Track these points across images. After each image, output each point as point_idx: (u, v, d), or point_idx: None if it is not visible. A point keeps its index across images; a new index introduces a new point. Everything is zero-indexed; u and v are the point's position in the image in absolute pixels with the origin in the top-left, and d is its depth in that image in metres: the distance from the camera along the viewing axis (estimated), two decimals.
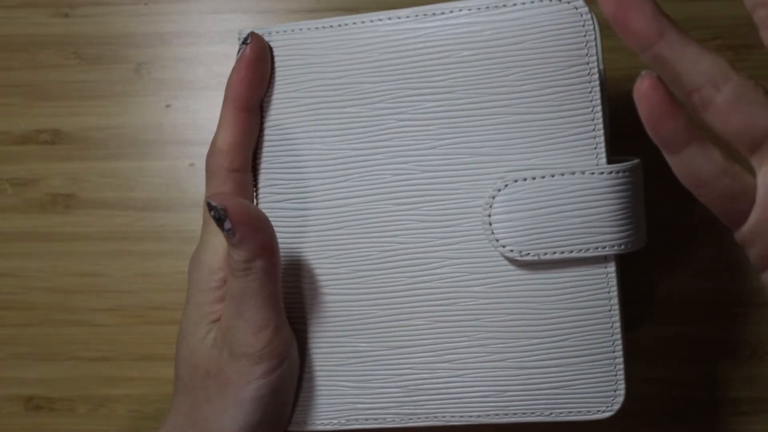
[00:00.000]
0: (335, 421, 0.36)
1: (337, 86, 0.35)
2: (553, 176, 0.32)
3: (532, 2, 0.33)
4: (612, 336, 0.33)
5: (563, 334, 0.33)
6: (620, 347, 0.33)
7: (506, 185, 0.33)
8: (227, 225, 0.31)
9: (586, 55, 0.33)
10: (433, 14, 0.34)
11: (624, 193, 0.32)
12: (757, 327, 0.43)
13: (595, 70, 0.33)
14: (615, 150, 0.35)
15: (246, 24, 0.46)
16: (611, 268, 0.33)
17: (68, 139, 0.46)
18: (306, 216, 0.36)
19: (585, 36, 0.33)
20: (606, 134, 0.33)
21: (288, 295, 0.36)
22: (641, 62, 0.43)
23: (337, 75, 0.35)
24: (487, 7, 0.34)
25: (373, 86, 0.35)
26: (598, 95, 0.33)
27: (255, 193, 0.37)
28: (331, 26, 0.35)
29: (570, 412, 0.34)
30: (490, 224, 0.33)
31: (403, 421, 0.35)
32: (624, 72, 0.42)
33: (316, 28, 0.36)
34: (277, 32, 0.36)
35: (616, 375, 0.33)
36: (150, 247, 0.46)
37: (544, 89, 0.33)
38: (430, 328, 0.35)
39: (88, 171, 0.46)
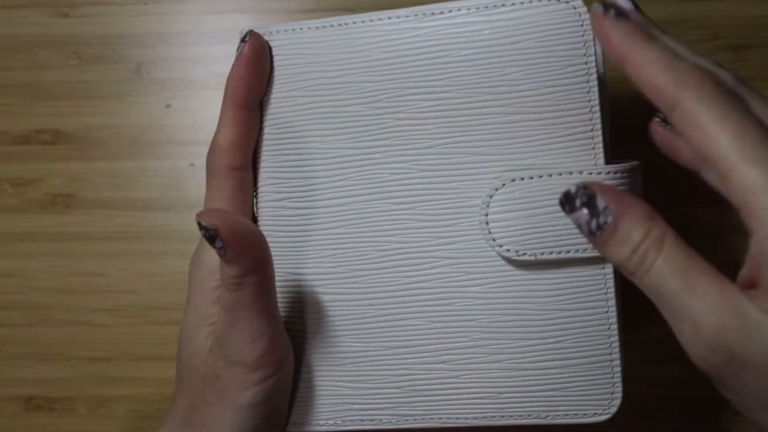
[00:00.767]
0: (331, 422, 0.36)
1: (336, 85, 0.35)
2: (550, 176, 0.32)
3: (531, 2, 0.33)
4: (609, 338, 0.33)
5: (560, 335, 0.33)
6: (617, 349, 0.33)
7: (503, 185, 0.33)
8: (218, 244, 0.30)
9: (585, 55, 0.33)
10: (432, 14, 0.34)
11: None
12: None
13: (594, 70, 0.33)
14: (616, 151, 0.35)
15: (246, 24, 0.46)
16: (608, 269, 0.33)
17: (68, 139, 0.46)
18: (304, 215, 0.36)
19: (583, 36, 0.33)
20: (604, 135, 0.33)
21: (284, 295, 0.36)
22: None
23: (336, 74, 0.35)
24: (486, 7, 0.34)
25: (371, 85, 0.35)
26: (596, 95, 0.33)
27: (255, 192, 0.37)
28: (331, 26, 0.36)
29: (566, 415, 0.34)
30: (487, 224, 0.33)
31: (399, 423, 0.35)
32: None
33: (316, 27, 0.36)
34: (277, 31, 0.36)
35: (613, 378, 0.33)
36: (150, 247, 0.46)
37: (542, 89, 0.33)
38: (426, 328, 0.34)
39: (88, 171, 0.46)
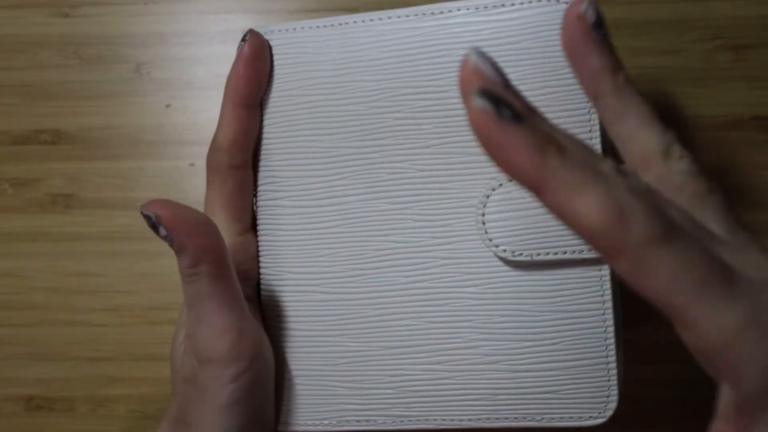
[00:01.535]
0: (326, 422, 0.36)
1: (335, 84, 0.35)
2: None
3: (530, 2, 0.33)
4: (605, 340, 0.33)
5: (556, 337, 0.33)
6: (613, 352, 0.33)
7: (500, 185, 0.33)
8: (162, 231, 0.30)
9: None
10: (432, 14, 0.34)
11: None
12: None
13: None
14: (616, 152, 0.35)
15: (245, 24, 0.46)
16: (605, 270, 0.33)
17: (68, 139, 0.46)
18: (302, 214, 0.36)
19: None
20: (603, 136, 0.33)
21: (281, 294, 0.36)
22: (645, 62, 0.43)
23: (336, 73, 0.35)
24: (486, 7, 0.34)
25: (370, 85, 0.35)
26: None
27: (254, 191, 0.37)
28: (331, 25, 0.36)
29: (562, 418, 0.33)
30: (484, 224, 0.33)
31: (394, 423, 0.35)
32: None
33: (317, 27, 0.36)
34: (278, 31, 0.36)
35: (608, 381, 0.33)
36: (150, 247, 0.46)
37: (541, 89, 0.33)
38: (422, 329, 0.34)
39: (88, 171, 0.46)
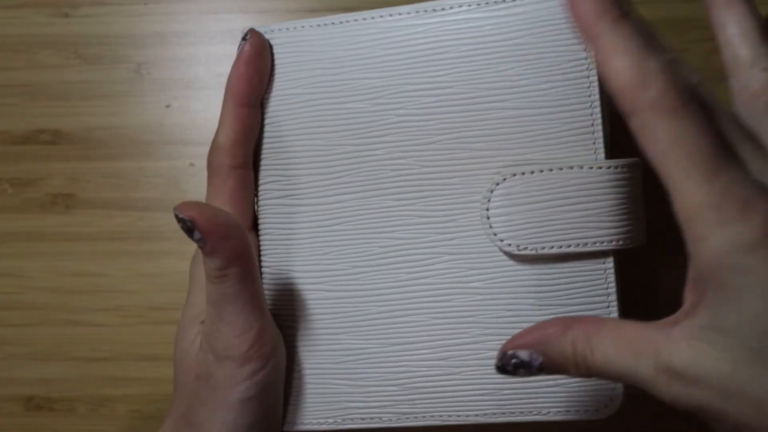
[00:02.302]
0: (330, 420, 0.36)
1: (337, 82, 0.35)
2: (551, 170, 0.32)
3: None
4: None
5: None
6: None
7: (504, 179, 0.33)
8: (197, 235, 0.30)
9: (585, 49, 0.33)
10: (433, 10, 0.34)
11: (622, 189, 0.32)
12: None
13: (594, 65, 0.33)
14: (618, 151, 0.35)
15: (246, 23, 0.46)
16: (609, 264, 0.33)
17: (68, 139, 0.46)
18: (306, 212, 0.36)
19: None
20: (605, 130, 0.33)
21: (285, 292, 0.36)
22: None
23: (338, 71, 0.35)
24: (487, 3, 0.34)
25: (372, 82, 0.35)
26: (596, 90, 0.33)
27: (255, 190, 0.37)
28: (332, 23, 0.36)
29: (567, 412, 0.33)
30: (488, 218, 0.33)
31: (399, 421, 0.35)
32: None
33: (317, 25, 0.36)
34: (279, 29, 0.36)
35: None
36: (150, 247, 0.46)
37: (542, 84, 0.33)
38: (427, 325, 0.34)
39: (88, 171, 0.46)
